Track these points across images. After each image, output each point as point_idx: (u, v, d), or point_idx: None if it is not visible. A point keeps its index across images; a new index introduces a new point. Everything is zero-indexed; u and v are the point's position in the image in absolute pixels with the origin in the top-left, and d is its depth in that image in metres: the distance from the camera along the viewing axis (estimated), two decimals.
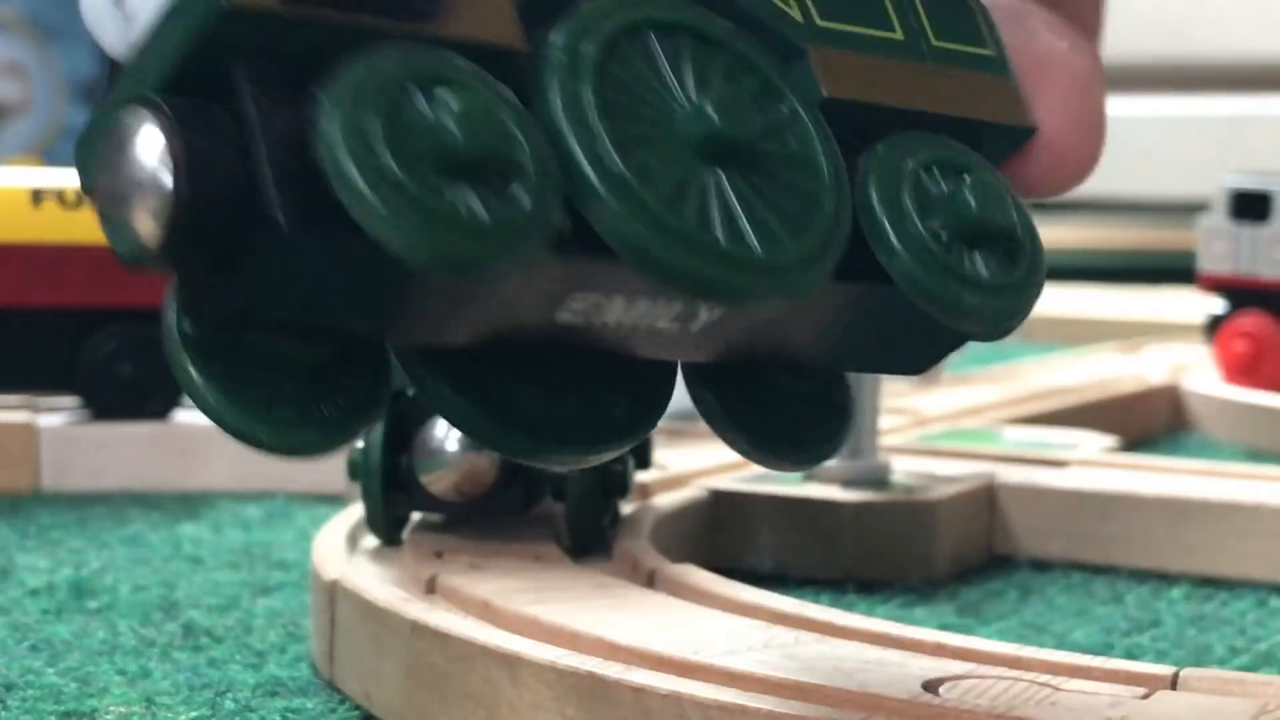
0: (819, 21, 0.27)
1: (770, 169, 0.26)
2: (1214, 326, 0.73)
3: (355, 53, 0.22)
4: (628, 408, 0.27)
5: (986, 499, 0.49)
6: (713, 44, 0.26)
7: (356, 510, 0.42)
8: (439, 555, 0.38)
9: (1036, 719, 0.27)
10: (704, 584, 0.36)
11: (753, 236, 0.25)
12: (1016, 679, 0.29)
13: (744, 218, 0.25)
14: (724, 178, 0.25)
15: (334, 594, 0.36)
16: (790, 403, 0.28)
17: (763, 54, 0.26)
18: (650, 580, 0.37)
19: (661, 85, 0.26)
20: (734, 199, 0.25)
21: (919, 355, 0.29)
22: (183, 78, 0.22)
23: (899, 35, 0.28)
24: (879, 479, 0.48)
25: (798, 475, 0.48)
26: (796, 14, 0.27)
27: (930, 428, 0.58)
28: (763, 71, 0.26)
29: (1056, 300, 1.14)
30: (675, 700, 0.28)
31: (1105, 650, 0.40)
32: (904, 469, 0.49)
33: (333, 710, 0.35)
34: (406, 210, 0.21)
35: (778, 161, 0.26)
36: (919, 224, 0.26)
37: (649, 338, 0.26)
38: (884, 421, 0.52)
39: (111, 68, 0.24)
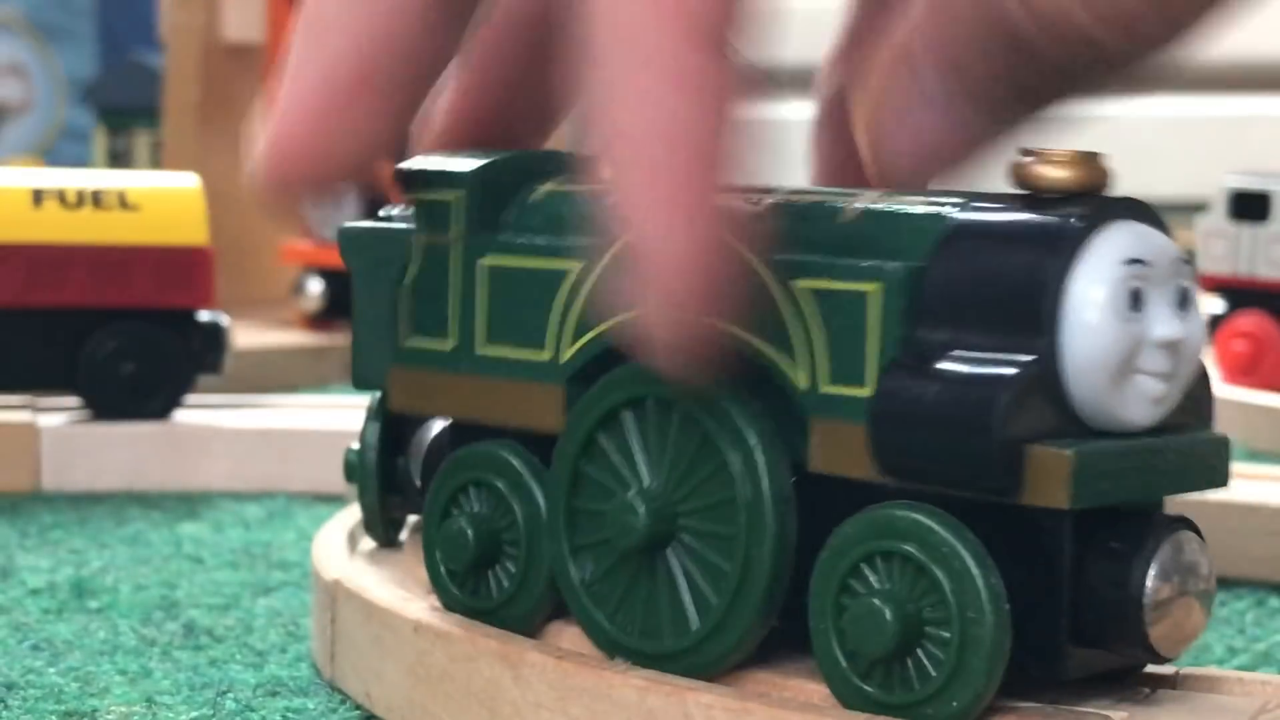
0: (823, 388, 0.28)
1: (703, 548, 0.29)
2: (1213, 326, 0.73)
3: None
4: None
5: None
6: (678, 420, 0.29)
7: (356, 510, 0.42)
8: None
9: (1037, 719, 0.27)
10: None
11: (694, 613, 0.29)
12: None
13: (686, 594, 0.29)
14: (666, 559, 0.29)
15: (335, 594, 0.36)
16: None
17: (742, 425, 0.28)
18: None
19: (616, 478, 0.30)
20: (676, 578, 0.29)
21: None
22: None
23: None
24: None
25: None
26: (803, 379, 0.28)
27: None
28: (722, 453, 0.28)
29: None
30: (679, 700, 0.28)
31: None
32: None
33: (333, 710, 0.35)
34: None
35: (709, 541, 0.29)
36: (836, 647, 0.27)
37: None
38: None
39: None
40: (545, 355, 0.30)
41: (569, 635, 0.32)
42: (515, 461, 0.31)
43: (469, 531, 0.32)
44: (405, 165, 0.32)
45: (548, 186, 0.32)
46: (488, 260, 0.31)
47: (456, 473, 0.32)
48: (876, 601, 0.26)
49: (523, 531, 0.31)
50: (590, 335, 0.30)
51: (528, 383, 0.30)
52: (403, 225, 0.35)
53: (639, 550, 0.29)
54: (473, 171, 0.31)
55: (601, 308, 0.29)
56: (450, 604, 0.33)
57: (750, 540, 0.28)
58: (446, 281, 0.32)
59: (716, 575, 0.28)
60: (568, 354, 0.30)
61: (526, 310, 0.31)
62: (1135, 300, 0.27)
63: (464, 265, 0.32)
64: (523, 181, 0.32)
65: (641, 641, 0.29)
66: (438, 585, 0.33)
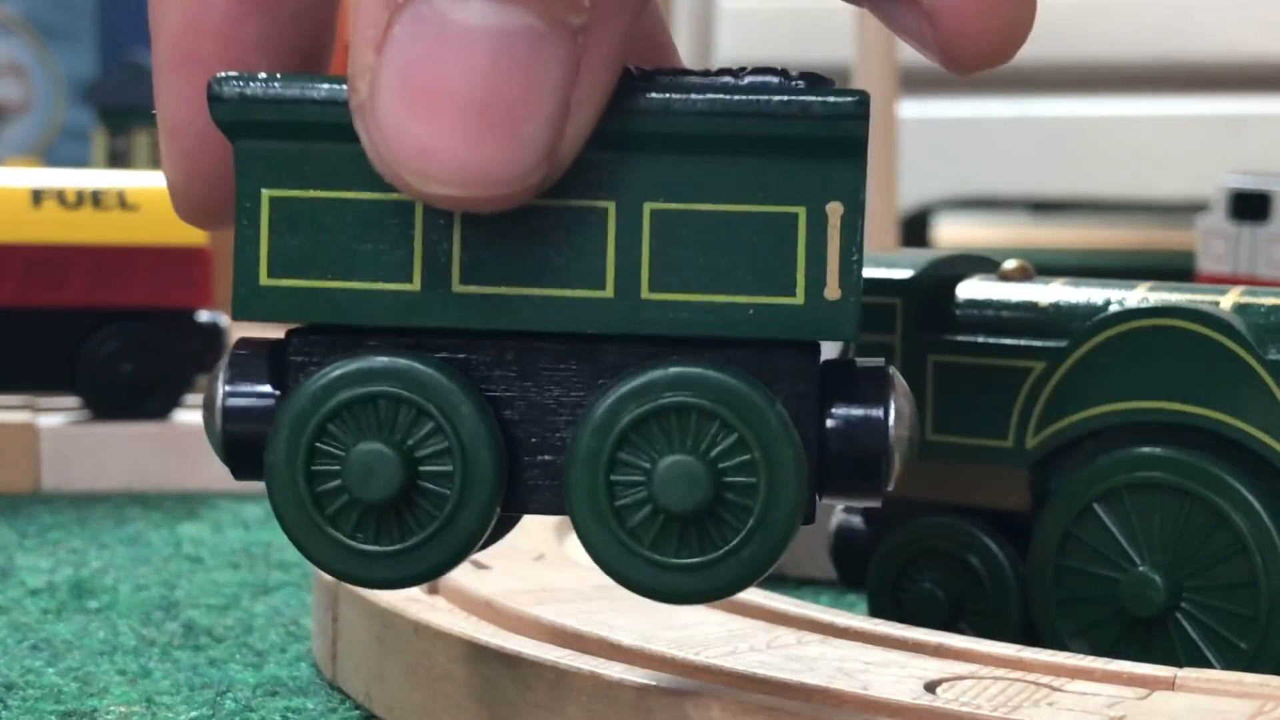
0: None
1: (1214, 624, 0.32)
2: None
3: None
4: None
5: None
6: (1187, 503, 0.32)
7: None
8: None
9: (1036, 719, 0.27)
10: None
11: None
12: (1016, 679, 0.29)
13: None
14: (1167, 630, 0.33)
15: (336, 594, 0.36)
16: None
17: (1258, 507, 0.32)
18: None
19: (1113, 547, 0.33)
20: (1177, 650, 0.32)
21: None
22: None
23: None
24: None
25: None
26: None
27: None
28: (1240, 538, 0.32)
29: None
30: (677, 701, 0.28)
31: None
32: None
33: (333, 710, 0.35)
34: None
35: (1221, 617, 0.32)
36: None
37: None
38: None
39: None
40: (1007, 443, 0.34)
41: (569, 635, 0.32)
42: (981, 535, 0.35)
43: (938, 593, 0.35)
44: None
45: (969, 286, 0.35)
46: (935, 358, 0.34)
47: (913, 541, 0.35)
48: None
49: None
50: (1057, 426, 0.33)
51: (988, 467, 0.34)
52: None
53: (1150, 620, 0.32)
54: (913, 279, 0.35)
55: (1067, 402, 0.33)
56: None
57: (1270, 622, 0.31)
58: None
59: (1230, 652, 0.32)
60: (1033, 442, 0.33)
61: (982, 402, 0.34)
62: None
63: (910, 362, 0.35)
64: (947, 282, 0.35)
65: None
66: None
